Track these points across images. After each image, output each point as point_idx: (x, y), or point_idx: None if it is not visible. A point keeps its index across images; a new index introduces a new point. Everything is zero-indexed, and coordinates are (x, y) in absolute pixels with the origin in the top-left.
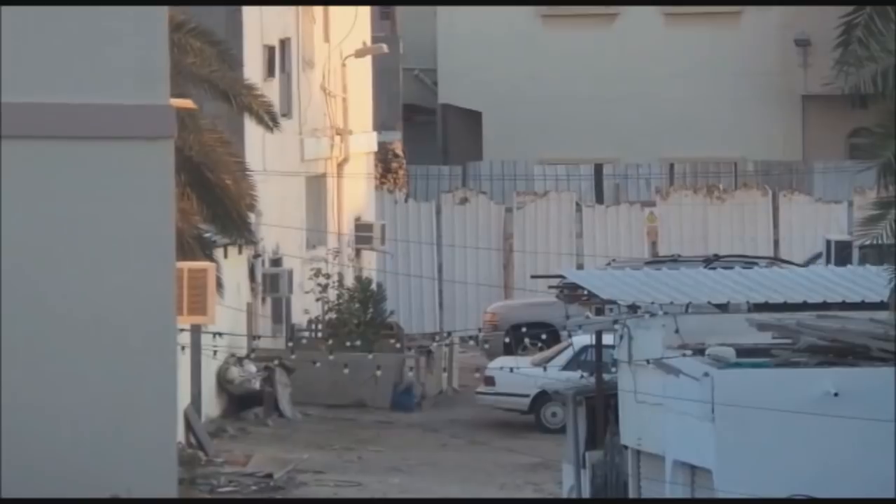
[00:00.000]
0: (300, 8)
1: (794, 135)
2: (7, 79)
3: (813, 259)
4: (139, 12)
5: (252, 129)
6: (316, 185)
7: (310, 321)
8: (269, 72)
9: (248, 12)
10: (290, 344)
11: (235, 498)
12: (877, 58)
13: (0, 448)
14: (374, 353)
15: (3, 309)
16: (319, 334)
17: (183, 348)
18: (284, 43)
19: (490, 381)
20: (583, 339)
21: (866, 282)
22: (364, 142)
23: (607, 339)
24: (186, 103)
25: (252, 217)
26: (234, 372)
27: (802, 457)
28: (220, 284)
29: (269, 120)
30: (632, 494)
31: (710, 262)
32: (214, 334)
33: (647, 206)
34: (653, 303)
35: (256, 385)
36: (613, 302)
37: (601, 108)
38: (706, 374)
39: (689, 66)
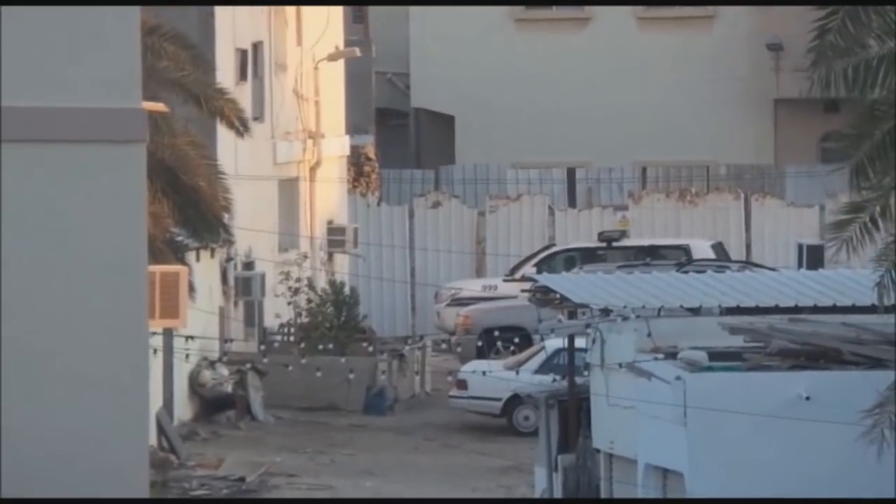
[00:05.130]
0: (273, 11)
1: (767, 139)
2: None
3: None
4: (111, 15)
5: (224, 132)
6: (288, 189)
7: (282, 325)
8: (242, 75)
9: (221, 16)
10: (263, 347)
11: (210, 498)
12: (850, 53)
13: None
14: (346, 357)
15: None
16: (292, 338)
17: (155, 352)
18: (257, 46)
19: (462, 384)
20: (555, 343)
21: (838, 285)
22: (336, 145)
23: (580, 342)
24: (159, 107)
25: (225, 220)
26: (207, 375)
27: (774, 460)
28: (192, 288)
29: (239, 125)
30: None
31: (683, 265)
32: (186, 338)
33: (620, 209)
34: (625, 306)
35: (228, 388)
36: (586, 305)
37: (574, 111)
38: (678, 378)
39: (662, 70)
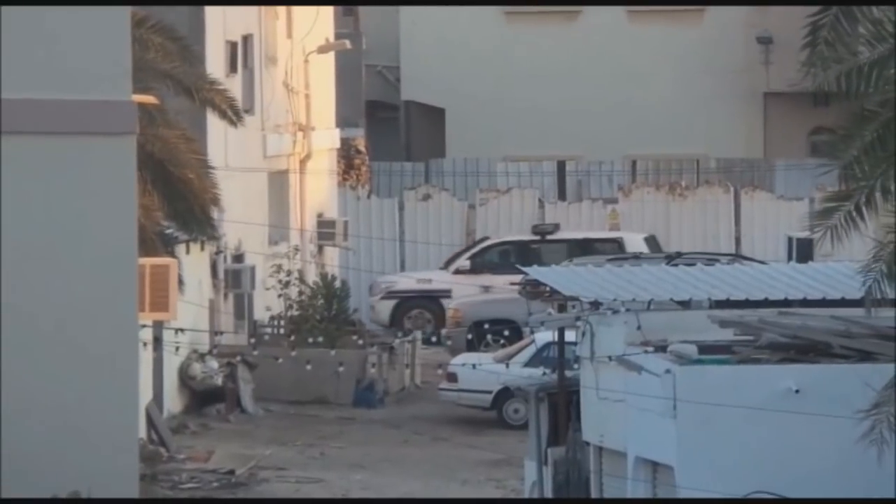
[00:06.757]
0: None
1: (756, 132)
2: None
3: None
4: (101, 9)
5: (214, 125)
6: (278, 182)
7: (272, 318)
8: (232, 68)
9: (211, 8)
10: (253, 340)
11: (199, 498)
12: (843, 59)
13: None
14: (336, 350)
15: None
16: (281, 331)
17: (145, 344)
18: (247, 39)
19: (452, 377)
20: (545, 336)
21: (828, 279)
22: (327, 138)
23: (569, 335)
24: (149, 99)
25: (215, 213)
26: (197, 368)
27: (764, 454)
28: (181, 281)
29: (232, 114)
30: (594, 491)
31: (672, 259)
32: (176, 330)
33: (610, 203)
34: (615, 299)
35: (218, 381)
36: (576, 298)
37: (564, 105)
38: (668, 371)
39: (652, 63)
